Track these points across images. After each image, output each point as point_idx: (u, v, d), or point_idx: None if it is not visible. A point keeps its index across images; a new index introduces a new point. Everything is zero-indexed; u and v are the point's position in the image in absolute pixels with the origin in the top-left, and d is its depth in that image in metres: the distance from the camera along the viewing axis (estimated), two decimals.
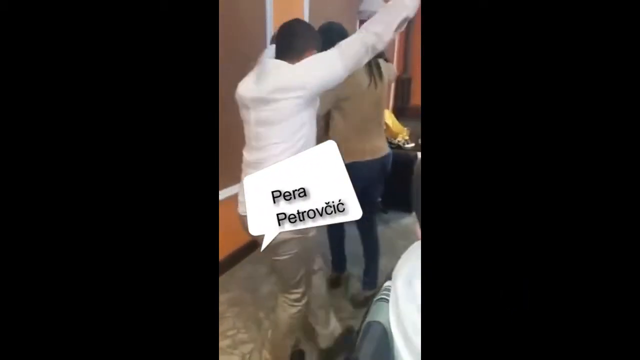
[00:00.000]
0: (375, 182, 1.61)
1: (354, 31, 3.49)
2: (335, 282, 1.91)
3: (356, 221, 1.63)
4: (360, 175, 1.47)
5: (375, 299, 0.74)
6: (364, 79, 1.44)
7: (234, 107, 1.48)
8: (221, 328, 1.62)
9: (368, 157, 1.52)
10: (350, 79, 1.26)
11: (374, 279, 1.78)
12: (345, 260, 1.92)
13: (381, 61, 1.50)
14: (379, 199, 2.34)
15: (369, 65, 1.39)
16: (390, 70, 1.58)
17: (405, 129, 3.63)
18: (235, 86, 1.21)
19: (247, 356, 1.48)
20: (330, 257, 1.91)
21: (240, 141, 1.38)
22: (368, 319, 0.67)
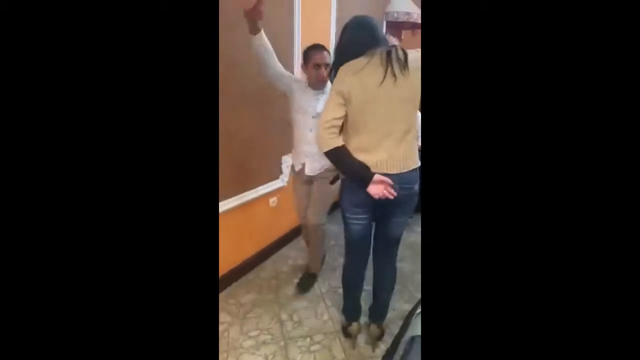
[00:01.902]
0: (394, 203, 1.24)
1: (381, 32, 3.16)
2: (349, 333, 1.60)
3: (373, 249, 1.47)
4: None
5: (416, 312, 0.73)
6: (374, 77, 1.16)
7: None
8: (244, 329, 1.64)
9: (393, 171, 1.21)
10: (354, 80, 1.17)
11: (383, 312, 1.57)
12: (361, 309, 1.60)
13: (414, 54, 1.19)
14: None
15: (388, 56, 1.16)
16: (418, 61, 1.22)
17: None
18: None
19: (270, 357, 1.49)
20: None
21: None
22: (410, 333, 0.66)
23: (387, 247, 1.45)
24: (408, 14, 3.13)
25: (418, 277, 2.04)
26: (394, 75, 1.15)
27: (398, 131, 1.21)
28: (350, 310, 1.59)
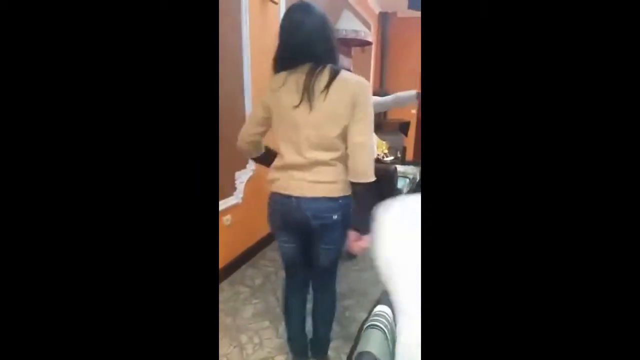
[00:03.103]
0: (311, 230, 1.17)
1: None
2: None
3: (313, 275, 1.36)
4: (278, 209, 1.17)
5: (365, 326, 0.70)
6: (290, 98, 1.07)
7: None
8: None
9: (288, 192, 1.14)
10: (273, 96, 1.11)
11: (322, 346, 1.44)
12: (304, 342, 1.46)
13: (343, 77, 1.05)
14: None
15: (308, 77, 1.05)
16: (355, 88, 1.05)
17: (384, 142, 3.68)
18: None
19: None
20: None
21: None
22: (359, 349, 0.62)
23: (319, 276, 1.33)
24: (356, 31, 3.25)
25: (379, 286, 2.04)
26: (309, 100, 1.04)
27: (312, 159, 1.09)
28: (292, 341, 1.44)
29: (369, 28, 4.48)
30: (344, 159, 1.10)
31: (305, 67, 1.06)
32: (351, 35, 3.25)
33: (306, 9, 1.06)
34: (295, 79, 1.06)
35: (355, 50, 3.95)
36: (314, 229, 1.15)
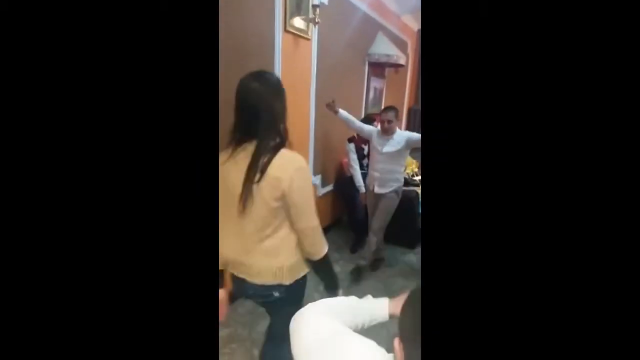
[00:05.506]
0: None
1: (362, 73, 3.50)
2: None
3: None
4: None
5: None
6: (233, 175, 1.00)
7: None
8: None
9: (241, 275, 1.12)
10: (222, 169, 1.02)
11: None
12: None
13: (284, 157, 0.98)
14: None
15: (254, 159, 0.96)
16: (284, 183, 0.96)
17: (415, 161, 3.67)
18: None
19: None
20: None
21: None
22: None
23: (273, 343, 1.34)
24: (388, 55, 3.32)
25: None
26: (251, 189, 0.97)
27: (256, 243, 1.05)
28: None
29: (406, 46, 4.51)
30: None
31: (251, 147, 0.97)
32: (383, 60, 3.33)
33: (257, 78, 0.98)
34: (234, 160, 0.99)
35: (389, 72, 4.01)
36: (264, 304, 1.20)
